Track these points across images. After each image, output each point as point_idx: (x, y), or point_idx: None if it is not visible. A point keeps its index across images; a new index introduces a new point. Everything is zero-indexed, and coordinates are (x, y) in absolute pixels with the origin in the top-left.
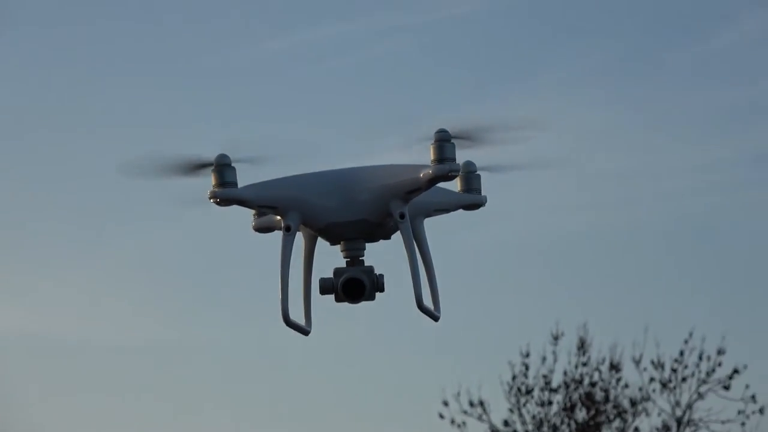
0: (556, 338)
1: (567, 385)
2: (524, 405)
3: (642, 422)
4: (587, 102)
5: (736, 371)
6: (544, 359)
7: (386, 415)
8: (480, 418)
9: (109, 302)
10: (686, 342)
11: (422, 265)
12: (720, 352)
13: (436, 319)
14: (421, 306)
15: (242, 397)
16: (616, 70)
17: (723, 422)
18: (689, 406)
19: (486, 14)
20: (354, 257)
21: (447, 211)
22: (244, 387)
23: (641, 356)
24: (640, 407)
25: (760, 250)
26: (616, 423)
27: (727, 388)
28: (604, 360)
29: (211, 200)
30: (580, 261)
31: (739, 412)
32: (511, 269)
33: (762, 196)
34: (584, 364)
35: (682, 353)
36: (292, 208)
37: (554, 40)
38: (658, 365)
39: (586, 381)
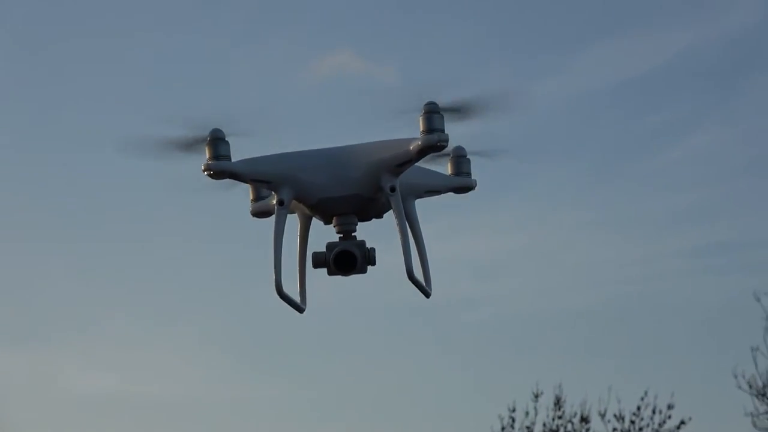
0: (536, 396)
1: None
2: None
3: None
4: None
5: (683, 422)
6: (527, 413)
7: None
8: None
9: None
10: (642, 399)
11: (414, 243)
12: (670, 407)
13: (427, 294)
14: (411, 277)
15: None
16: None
17: None
18: None
19: None
20: (346, 232)
21: (438, 192)
22: None
23: (606, 410)
24: None
25: (703, 324)
26: None
27: None
28: (576, 414)
29: (205, 173)
30: (556, 334)
31: None
32: (500, 342)
33: (699, 283)
34: (560, 417)
35: (639, 408)
36: (285, 183)
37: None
38: (620, 418)
39: (562, 431)
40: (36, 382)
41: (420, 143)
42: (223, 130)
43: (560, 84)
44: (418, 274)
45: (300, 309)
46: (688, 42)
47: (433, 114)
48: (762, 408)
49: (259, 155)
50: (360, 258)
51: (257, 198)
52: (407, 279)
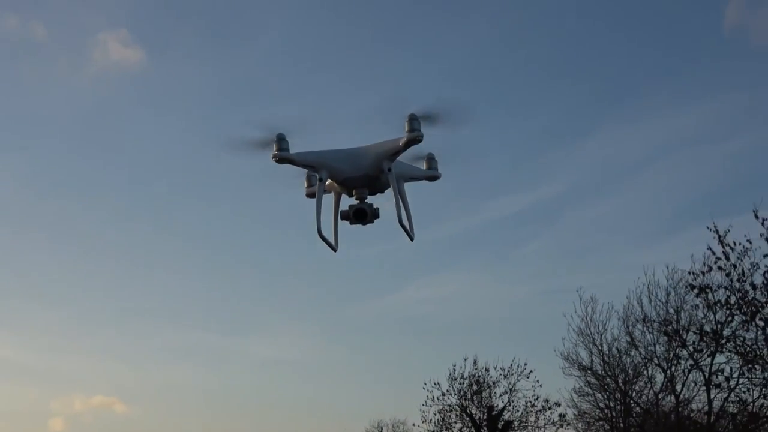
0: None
1: None
2: None
3: None
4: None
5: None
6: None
7: None
8: None
9: None
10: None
11: (403, 206)
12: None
13: (411, 238)
14: (401, 222)
15: None
16: None
17: None
18: None
19: None
20: (361, 198)
21: (418, 179)
22: None
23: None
24: None
25: None
26: None
27: None
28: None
29: (273, 159)
30: None
31: None
32: None
33: None
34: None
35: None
36: (323, 167)
37: None
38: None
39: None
40: None
41: (405, 138)
42: (284, 132)
43: None
44: (405, 224)
45: (334, 249)
46: None
47: (413, 120)
48: None
49: (306, 150)
50: (369, 212)
51: (309, 185)
52: (398, 224)
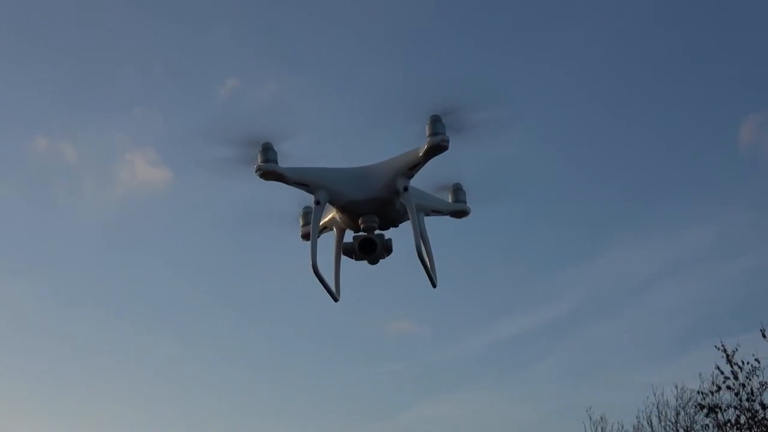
0: None
1: None
2: None
3: None
4: None
5: None
6: None
7: None
8: None
9: None
10: None
11: (423, 245)
12: None
13: (434, 283)
14: (420, 255)
15: None
16: None
17: None
18: None
19: None
20: (369, 227)
21: (441, 213)
22: None
23: None
24: None
25: None
26: None
27: None
28: None
29: (257, 172)
30: None
31: None
32: None
33: None
34: None
35: None
36: (321, 187)
37: None
38: None
39: None
40: None
41: (427, 144)
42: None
43: None
44: (426, 259)
45: (335, 297)
46: None
47: (436, 122)
48: None
49: (300, 166)
50: (379, 244)
51: (305, 223)
52: (417, 258)
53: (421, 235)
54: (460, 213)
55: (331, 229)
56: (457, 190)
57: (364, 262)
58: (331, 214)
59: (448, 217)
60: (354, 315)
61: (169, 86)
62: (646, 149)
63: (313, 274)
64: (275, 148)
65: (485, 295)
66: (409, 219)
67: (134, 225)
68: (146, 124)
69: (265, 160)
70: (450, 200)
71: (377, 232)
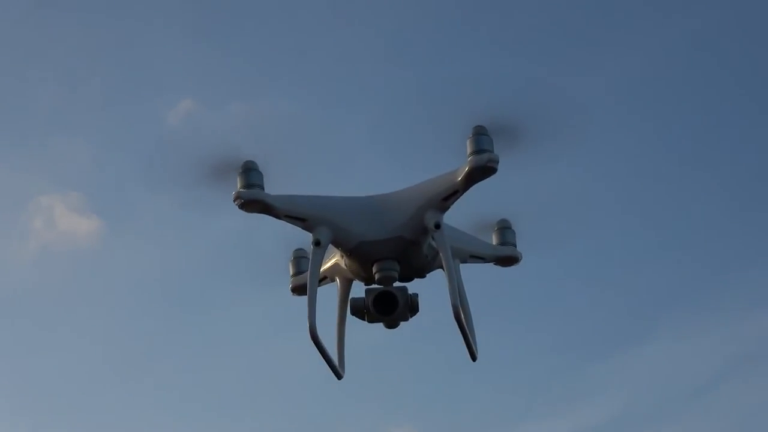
0: None
1: None
2: None
3: None
4: None
5: None
6: None
7: None
8: None
9: None
10: None
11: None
12: None
13: (474, 356)
14: (458, 317)
15: None
16: None
17: None
18: None
19: None
20: (387, 278)
21: (483, 260)
22: None
23: None
24: None
25: None
26: None
27: None
28: None
29: (236, 202)
30: None
31: None
32: None
33: None
34: None
35: None
36: (323, 224)
37: None
38: None
39: None
40: None
41: (467, 167)
42: (257, 161)
43: None
44: (464, 322)
45: (338, 374)
46: None
47: (481, 135)
48: None
49: (295, 194)
50: (402, 301)
51: (297, 272)
52: (453, 320)
53: (459, 288)
54: (508, 260)
55: (333, 280)
56: (504, 230)
57: (377, 325)
58: (333, 259)
59: (491, 265)
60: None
61: (99, 110)
62: (723, 201)
63: (311, 342)
64: (261, 170)
65: (500, 391)
66: (438, 267)
67: (52, 290)
68: (69, 159)
69: (247, 185)
70: (494, 242)
71: (397, 284)
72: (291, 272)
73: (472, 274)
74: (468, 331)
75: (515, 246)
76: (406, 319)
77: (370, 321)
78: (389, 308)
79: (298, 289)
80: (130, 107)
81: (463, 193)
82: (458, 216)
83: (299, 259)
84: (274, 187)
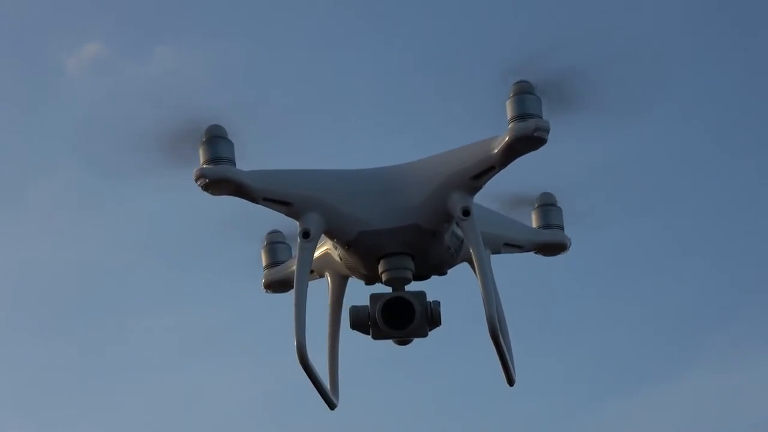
0: None
1: None
2: None
3: None
4: None
5: None
6: None
7: None
8: None
9: None
10: None
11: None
12: None
13: (511, 381)
14: (494, 335)
15: None
16: None
17: None
18: None
19: None
20: (398, 279)
21: (520, 248)
22: None
23: None
24: None
25: None
26: None
27: None
28: None
29: (199, 182)
30: None
31: None
32: None
33: None
34: None
35: None
36: (313, 209)
37: None
38: None
39: None
40: None
41: (508, 136)
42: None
43: None
44: (501, 339)
45: (331, 403)
46: None
47: (525, 95)
48: None
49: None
50: (419, 311)
51: (270, 264)
52: (489, 337)
53: (494, 298)
54: (553, 248)
55: (322, 276)
56: (547, 208)
57: (385, 340)
58: (323, 247)
59: (531, 254)
60: None
61: None
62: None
63: (299, 365)
64: (231, 139)
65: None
66: (464, 260)
67: None
68: None
69: (213, 160)
70: (535, 224)
71: (409, 288)
72: (264, 263)
73: (499, 265)
74: (505, 349)
75: (562, 229)
76: (424, 335)
77: (376, 337)
78: (402, 320)
79: (274, 285)
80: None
81: (500, 170)
82: (485, 190)
83: (274, 245)
84: (246, 161)
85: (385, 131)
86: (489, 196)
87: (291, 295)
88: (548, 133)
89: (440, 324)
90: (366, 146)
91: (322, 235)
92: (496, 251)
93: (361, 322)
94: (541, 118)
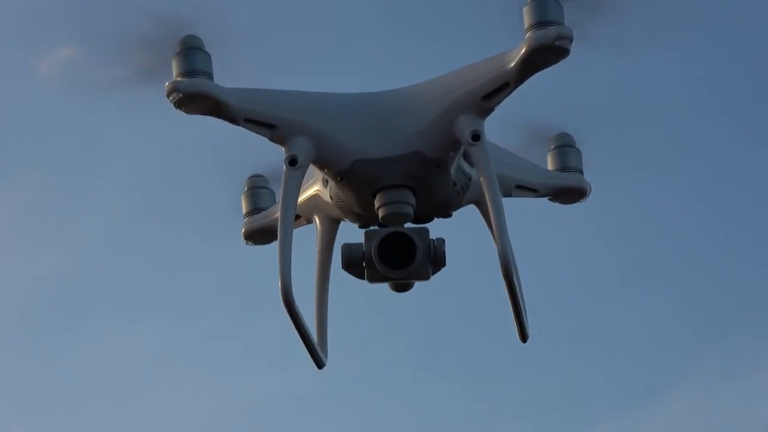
0: None
1: None
2: None
3: None
4: None
5: None
6: None
7: None
8: None
9: None
10: None
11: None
12: None
13: (524, 336)
14: (508, 272)
15: None
16: None
17: None
18: None
19: None
20: (397, 215)
21: (535, 192)
22: None
23: None
24: None
25: None
26: None
27: None
28: None
29: (171, 97)
30: None
31: None
32: None
33: None
34: None
35: None
36: (301, 133)
37: None
38: None
39: None
40: None
41: (525, 46)
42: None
43: None
44: (516, 282)
45: (319, 360)
46: None
47: (544, 2)
48: None
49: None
50: (421, 248)
51: (251, 210)
52: (502, 276)
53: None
54: (571, 193)
55: (310, 221)
56: (565, 149)
57: (382, 285)
58: (311, 189)
59: (544, 200)
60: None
61: None
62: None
63: (284, 309)
64: (208, 50)
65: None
66: (471, 202)
67: None
68: None
69: (188, 72)
70: (551, 167)
71: (410, 225)
72: (244, 210)
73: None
74: (520, 299)
75: (581, 173)
76: (426, 278)
77: (372, 280)
78: (402, 259)
79: (255, 235)
80: None
81: (515, 88)
82: (494, 125)
83: (256, 191)
84: (227, 78)
85: (387, 54)
86: (499, 135)
87: (274, 247)
88: (571, 42)
89: (445, 265)
90: (366, 69)
91: (309, 169)
92: (507, 194)
93: (355, 261)
94: (563, 25)
